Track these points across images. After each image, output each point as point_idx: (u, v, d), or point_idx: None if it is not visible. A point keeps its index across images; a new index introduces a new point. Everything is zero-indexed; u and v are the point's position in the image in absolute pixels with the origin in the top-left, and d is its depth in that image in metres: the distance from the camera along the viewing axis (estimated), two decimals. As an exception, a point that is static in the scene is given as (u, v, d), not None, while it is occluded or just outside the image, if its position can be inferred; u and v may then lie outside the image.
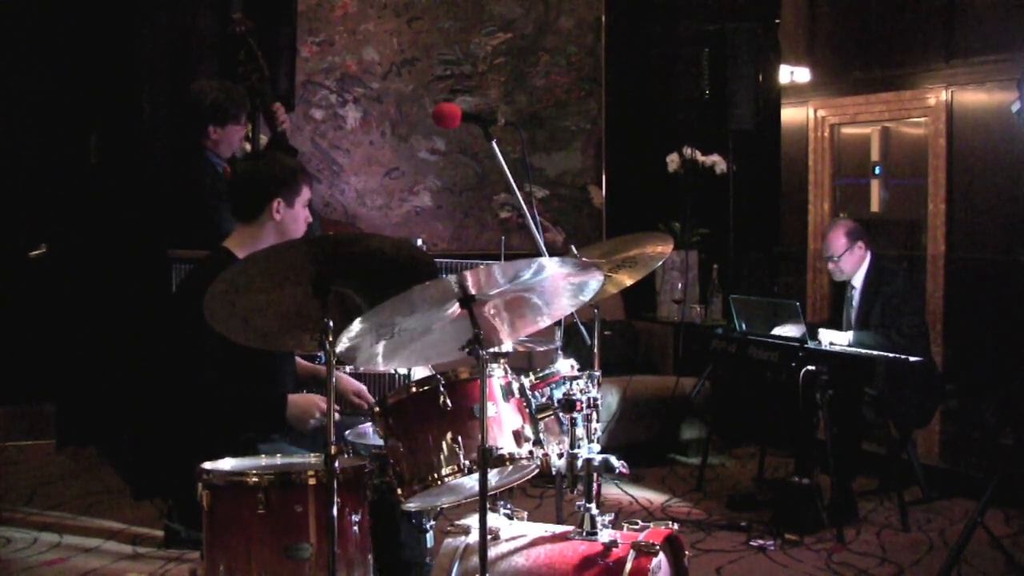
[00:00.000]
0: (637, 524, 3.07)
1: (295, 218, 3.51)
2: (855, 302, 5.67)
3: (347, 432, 3.33)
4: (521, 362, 4.19)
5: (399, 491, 2.87)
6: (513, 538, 3.06)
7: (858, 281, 5.66)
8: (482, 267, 2.67)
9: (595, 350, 3.52)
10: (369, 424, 3.30)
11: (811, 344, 5.29)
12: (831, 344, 5.37)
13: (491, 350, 2.96)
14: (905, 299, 5.52)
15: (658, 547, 2.91)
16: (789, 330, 5.51)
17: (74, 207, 6.67)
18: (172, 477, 3.58)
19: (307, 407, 3.35)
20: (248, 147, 5.09)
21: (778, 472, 6.00)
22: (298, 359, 3.73)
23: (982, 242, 5.96)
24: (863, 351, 5.21)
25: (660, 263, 3.69)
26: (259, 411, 3.36)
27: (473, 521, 3.07)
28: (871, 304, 5.56)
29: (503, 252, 5.00)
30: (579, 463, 3.11)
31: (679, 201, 7.25)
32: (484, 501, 2.68)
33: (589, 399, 3.15)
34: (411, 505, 2.99)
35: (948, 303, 6.09)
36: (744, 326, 5.73)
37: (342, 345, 2.74)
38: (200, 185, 4.78)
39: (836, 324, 5.77)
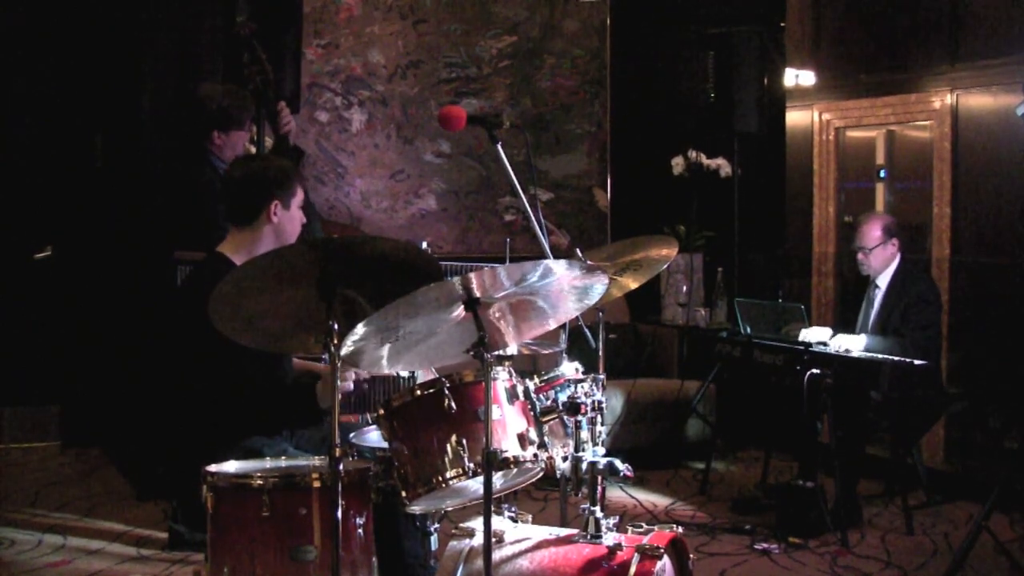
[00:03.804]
0: (641, 527, 3.07)
1: (291, 219, 3.50)
2: (877, 303, 5.59)
3: (351, 435, 3.34)
4: (526, 365, 4.18)
5: (403, 494, 2.87)
6: (517, 541, 3.06)
7: (883, 281, 5.58)
8: (487, 269, 2.67)
9: (600, 353, 3.52)
10: (374, 427, 3.30)
11: (815, 348, 5.28)
12: (844, 349, 5.32)
13: (495, 353, 2.96)
14: (925, 310, 5.44)
15: (662, 550, 2.91)
16: (817, 333, 5.45)
17: (79, 209, 6.68)
18: (179, 479, 3.59)
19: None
20: (253, 151, 5.08)
21: (782, 475, 6.00)
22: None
23: (987, 245, 5.95)
24: (867, 355, 5.20)
25: (665, 266, 3.69)
26: (294, 405, 3.34)
27: (477, 524, 3.07)
28: (893, 308, 5.49)
29: (508, 255, 4.99)
30: (583, 466, 3.11)
31: (684, 204, 7.25)
32: (489, 504, 2.68)
33: (593, 402, 3.15)
34: (415, 508, 2.99)
35: (953, 306, 6.08)
36: (749, 329, 5.72)
37: (347, 348, 2.73)
38: (203, 189, 4.78)
39: (850, 325, 5.73)
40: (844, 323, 5.82)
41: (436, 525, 3.29)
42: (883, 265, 5.57)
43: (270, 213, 3.44)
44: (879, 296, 5.60)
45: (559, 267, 2.76)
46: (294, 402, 3.32)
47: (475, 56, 7.36)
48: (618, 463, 3.10)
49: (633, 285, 3.65)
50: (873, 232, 5.53)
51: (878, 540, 5.05)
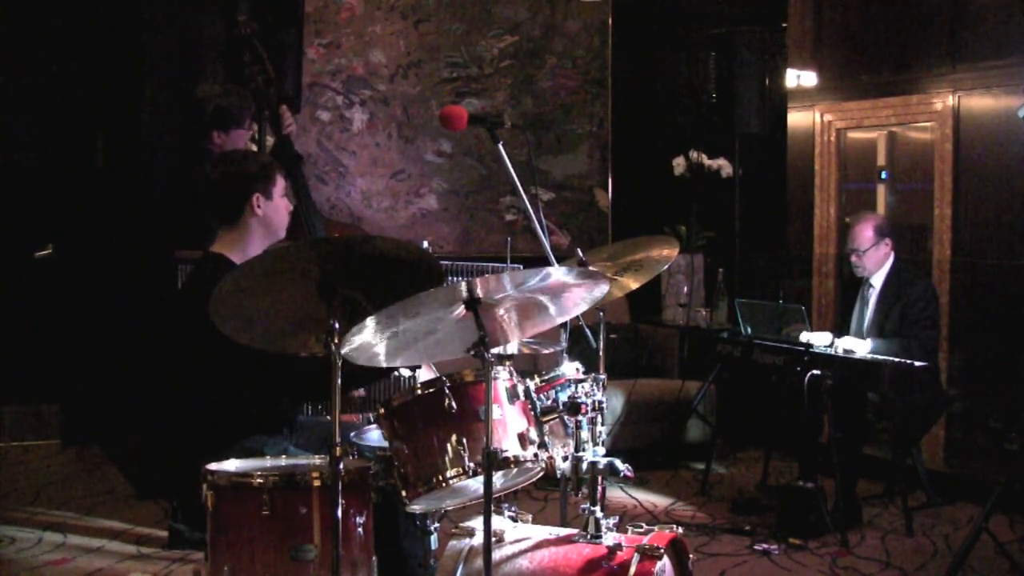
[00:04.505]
0: (641, 527, 3.07)
1: (276, 209, 3.50)
2: (871, 303, 5.59)
3: (352, 434, 3.33)
4: (526, 365, 4.19)
5: (404, 493, 2.87)
6: (517, 540, 3.06)
7: (877, 281, 5.58)
8: (491, 276, 2.67)
9: (600, 353, 3.51)
10: (374, 426, 3.30)
11: (816, 348, 5.27)
12: (846, 350, 5.29)
13: (495, 351, 2.96)
14: (925, 309, 5.43)
15: (662, 550, 2.91)
16: (818, 337, 5.44)
17: (80, 208, 6.69)
18: (179, 477, 3.58)
19: None
20: (255, 149, 5.09)
21: (782, 476, 6.00)
22: None
23: (988, 246, 5.95)
24: (867, 356, 5.19)
25: (666, 266, 3.69)
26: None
27: (477, 523, 3.07)
28: (889, 308, 5.48)
29: (509, 255, 5.00)
30: (584, 466, 3.11)
31: (685, 204, 7.25)
32: (489, 503, 2.68)
33: (594, 402, 3.15)
34: (416, 507, 2.98)
35: (953, 307, 6.08)
36: (749, 330, 5.71)
37: (347, 347, 2.73)
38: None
39: (845, 325, 5.72)
40: (845, 324, 5.81)
41: (436, 524, 3.29)
42: (877, 266, 5.57)
43: (253, 206, 3.44)
44: (874, 296, 5.60)
45: (561, 273, 2.76)
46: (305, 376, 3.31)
47: (476, 56, 7.36)
48: (618, 463, 3.10)
49: (634, 285, 3.64)
50: (865, 233, 5.52)
51: (878, 541, 5.05)
